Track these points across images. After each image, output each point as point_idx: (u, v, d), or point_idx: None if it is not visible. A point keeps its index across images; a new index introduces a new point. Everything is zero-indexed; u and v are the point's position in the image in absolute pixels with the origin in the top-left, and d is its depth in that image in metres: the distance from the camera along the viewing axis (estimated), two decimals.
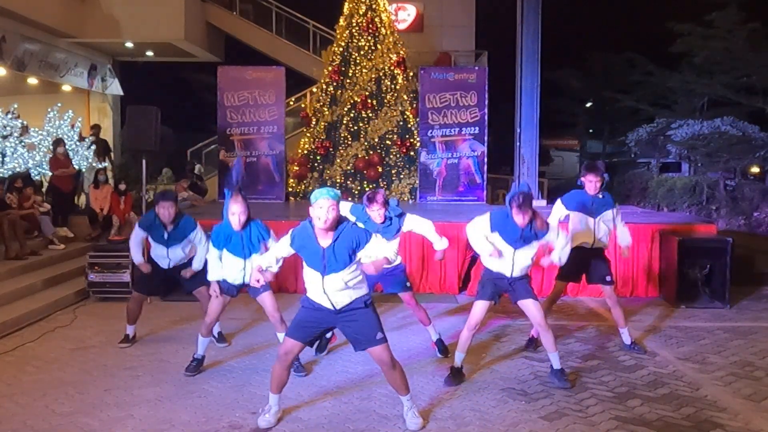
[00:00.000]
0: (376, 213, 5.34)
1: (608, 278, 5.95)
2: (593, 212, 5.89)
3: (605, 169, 6.02)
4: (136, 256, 6.13)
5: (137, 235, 6.13)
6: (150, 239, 6.05)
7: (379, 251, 4.08)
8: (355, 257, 4.05)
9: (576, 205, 5.96)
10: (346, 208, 5.49)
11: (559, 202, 6.11)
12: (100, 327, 6.79)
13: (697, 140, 13.96)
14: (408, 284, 5.72)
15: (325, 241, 4.02)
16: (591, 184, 5.86)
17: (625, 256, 6.36)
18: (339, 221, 4.02)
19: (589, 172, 5.89)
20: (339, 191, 4.14)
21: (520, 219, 4.84)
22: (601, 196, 5.91)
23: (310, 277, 4.14)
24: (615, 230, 6.13)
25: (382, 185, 13.44)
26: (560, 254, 5.15)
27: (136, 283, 6.54)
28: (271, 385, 4.38)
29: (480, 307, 5.15)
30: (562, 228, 5.56)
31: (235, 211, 5.08)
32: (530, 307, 5.07)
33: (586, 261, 5.94)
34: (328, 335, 5.71)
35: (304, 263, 4.15)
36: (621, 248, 6.35)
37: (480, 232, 5.06)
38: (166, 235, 5.93)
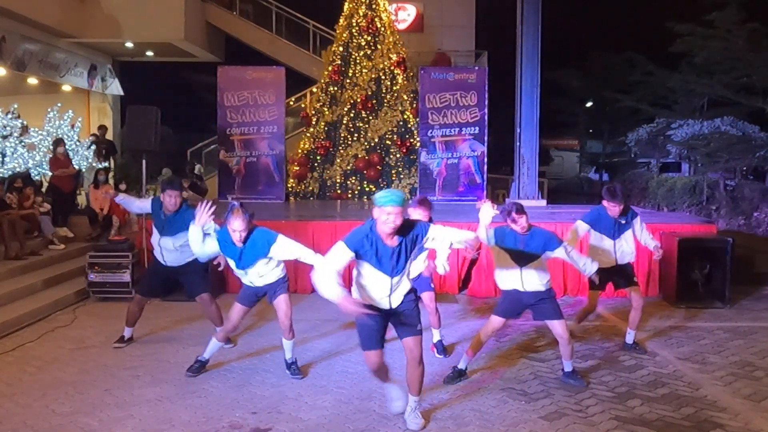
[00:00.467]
0: (419, 215, 5.16)
1: (634, 279, 5.94)
2: (614, 234, 5.79)
3: (623, 195, 5.80)
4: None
5: (142, 201, 6.36)
6: (153, 222, 6.07)
7: (444, 232, 4.17)
8: (417, 252, 4.16)
9: (596, 225, 5.82)
10: None
11: (580, 222, 5.88)
12: (100, 327, 6.79)
13: (697, 140, 13.96)
14: (432, 284, 5.74)
15: (391, 242, 4.02)
16: (614, 209, 5.70)
17: (657, 257, 5.96)
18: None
19: (610, 198, 5.68)
20: (404, 194, 4.14)
21: (518, 227, 4.86)
22: (623, 221, 5.79)
23: (375, 280, 4.09)
24: (638, 242, 5.97)
25: (382, 185, 13.45)
26: (588, 269, 5.15)
27: (137, 284, 6.51)
28: (382, 382, 4.46)
29: (495, 321, 5.18)
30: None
31: (236, 228, 4.86)
32: (556, 326, 5.05)
33: (611, 272, 5.85)
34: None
35: (363, 268, 4.09)
36: (652, 252, 5.98)
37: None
38: (163, 219, 5.85)
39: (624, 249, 5.83)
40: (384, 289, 4.12)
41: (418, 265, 4.41)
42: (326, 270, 3.94)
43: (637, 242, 5.98)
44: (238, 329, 5.95)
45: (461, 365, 5.28)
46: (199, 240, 5.02)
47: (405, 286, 4.20)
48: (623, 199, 5.72)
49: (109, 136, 15.88)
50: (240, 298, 5.27)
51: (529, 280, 4.98)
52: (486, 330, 5.21)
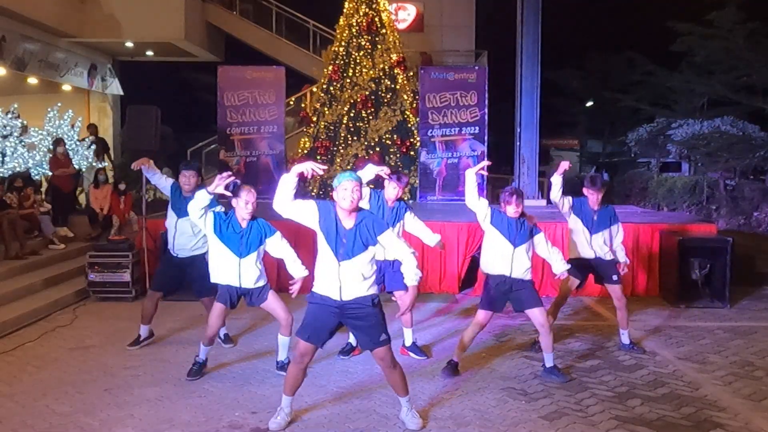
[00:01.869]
0: (393, 190, 5.43)
1: (614, 277, 5.93)
2: (592, 228, 5.85)
3: (603, 184, 5.92)
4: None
5: (164, 178, 6.18)
6: (169, 207, 6.00)
7: (394, 243, 4.11)
8: (371, 245, 4.07)
9: (579, 211, 5.92)
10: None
11: (570, 198, 6.00)
12: (100, 327, 6.79)
13: (697, 140, 13.98)
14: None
15: (347, 222, 4.03)
16: (592, 197, 5.84)
17: (621, 271, 5.99)
18: (359, 208, 4.07)
19: (590, 185, 5.84)
20: (358, 174, 4.15)
21: (512, 210, 5.02)
22: (597, 217, 5.85)
23: (325, 262, 4.08)
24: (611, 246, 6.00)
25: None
26: (558, 267, 5.26)
27: (152, 281, 6.39)
28: (285, 386, 4.35)
29: (482, 316, 5.26)
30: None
31: (249, 200, 4.97)
32: (536, 314, 5.14)
33: (589, 264, 5.94)
34: (354, 343, 5.69)
35: (319, 248, 4.08)
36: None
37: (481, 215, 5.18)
38: (181, 200, 5.83)
39: (601, 245, 5.88)
40: (332, 273, 4.05)
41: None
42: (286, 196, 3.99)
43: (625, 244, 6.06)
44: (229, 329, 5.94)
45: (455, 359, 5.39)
46: (204, 204, 4.97)
47: (357, 281, 4.06)
48: (602, 189, 5.85)
49: (109, 135, 15.90)
50: (220, 297, 5.23)
51: (518, 264, 5.09)
52: (473, 327, 5.30)
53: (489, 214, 5.13)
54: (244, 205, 4.98)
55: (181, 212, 5.82)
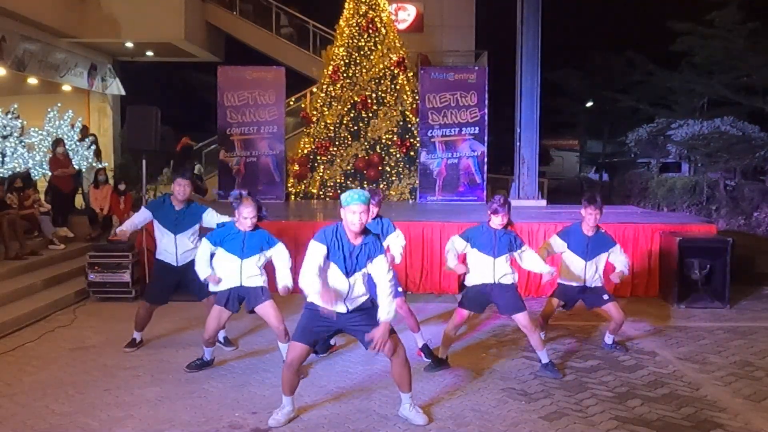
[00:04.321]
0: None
1: (605, 296, 5.84)
2: (587, 255, 5.75)
3: (601, 197, 5.80)
4: (131, 224, 5.93)
5: (139, 216, 5.92)
6: (156, 224, 5.87)
7: (382, 276, 4.17)
8: (369, 265, 4.19)
9: (570, 243, 5.81)
10: None
11: (555, 237, 5.92)
12: (100, 327, 6.79)
13: (697, 140, 13.96)
14: (400, 289, 5.68)
15: (356, 240, 4.14)
16: (590, 217, 5.66)
17: (613, 279, 5.76)
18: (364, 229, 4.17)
19: (589, 204, 5.66)
20: (367, 193, 4.20)
21: (497, 221, 5.13)
22: (594, 235, 5.74)
23: (335, 280, 4.16)
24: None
25: (382, 185, 13.45)
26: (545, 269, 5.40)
27: (147, 294, 6.21)
28: (283, 387, 4.41)
29: (461, 315, 5.39)
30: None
31: (247, 216, 5.08)
32: (519, 318, 5.26)
33: (578, 291, 5.88)
34: (332, 341, 5.72)
35: (329, 266, 4.16)
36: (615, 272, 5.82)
37: (453, 251, 5.30)
38: (175, 217, 5.80)
39: (593, 274, 5.79)
40: (342, 290, 4.17)
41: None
42: (310, 272, 4.08)
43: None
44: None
45: (441, 355, 5.49)
46: (208, 262, 5.26)
47: (361, 290, 4.23)
48: (602, 208, 5.68)
49: (109, 135, 15.91)
50: (219, 299, 5.30)
51: (500, 271, 5.22)
52: (451, 325, 5.45)
53: (467, 243, 5.28)
54: (243, 219, 5.11)
55: (178, 227, 5.85)
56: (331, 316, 4.19)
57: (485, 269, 5.23)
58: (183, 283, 5.99)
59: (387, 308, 4.13)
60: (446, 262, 5.39)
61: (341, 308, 4.21)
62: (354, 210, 4.03)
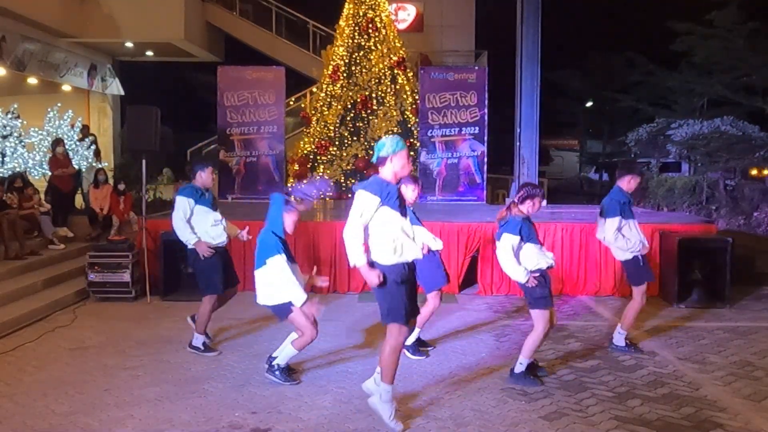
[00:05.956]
0: (411, 193, 5.35)
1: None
2: (634, 216, 6.13)
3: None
4: (190, 236, 5.66)
5: (186, 208, 5.68)
6: (200, 209, 5.77)
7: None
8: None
9: (625, 211, 6.18)
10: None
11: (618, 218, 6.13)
12: (100, 327, 6.79)
13: (697, 140, 13.98)
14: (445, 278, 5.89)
15: (396, 186, 4.20)
16: (634, 181, 6.26)
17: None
18: None
19: (629, 171, 6.29)
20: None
21: (534, 208, 5.03)
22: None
23: (400, 227, 4.07)
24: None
25: None
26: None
27: (208, 286, 5.83)
28: (389, 376, 4.24)
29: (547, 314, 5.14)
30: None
31: (297, 219, 5.20)
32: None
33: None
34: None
35: (385, 220, 4.03)
36: None
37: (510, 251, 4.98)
38: (209, 197, 5.93)
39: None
40: (410, 234, 4.17)
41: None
42: (357, 226, 3.96)
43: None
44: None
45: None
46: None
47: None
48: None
49: (109, 135, 15.91)
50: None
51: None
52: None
53: (520, 237, 4.95)
54: (291, 222, 5.18)
55: (214, 205, 5.98)
56: (418, 257, 4.19)
57: (541, 255, 5.02)
58: (228, 264, 6.07)
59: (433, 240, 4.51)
60: (509, 266, 4.93)
61: (416, 253, 4.20)
62: (403, 156, 4.10)
